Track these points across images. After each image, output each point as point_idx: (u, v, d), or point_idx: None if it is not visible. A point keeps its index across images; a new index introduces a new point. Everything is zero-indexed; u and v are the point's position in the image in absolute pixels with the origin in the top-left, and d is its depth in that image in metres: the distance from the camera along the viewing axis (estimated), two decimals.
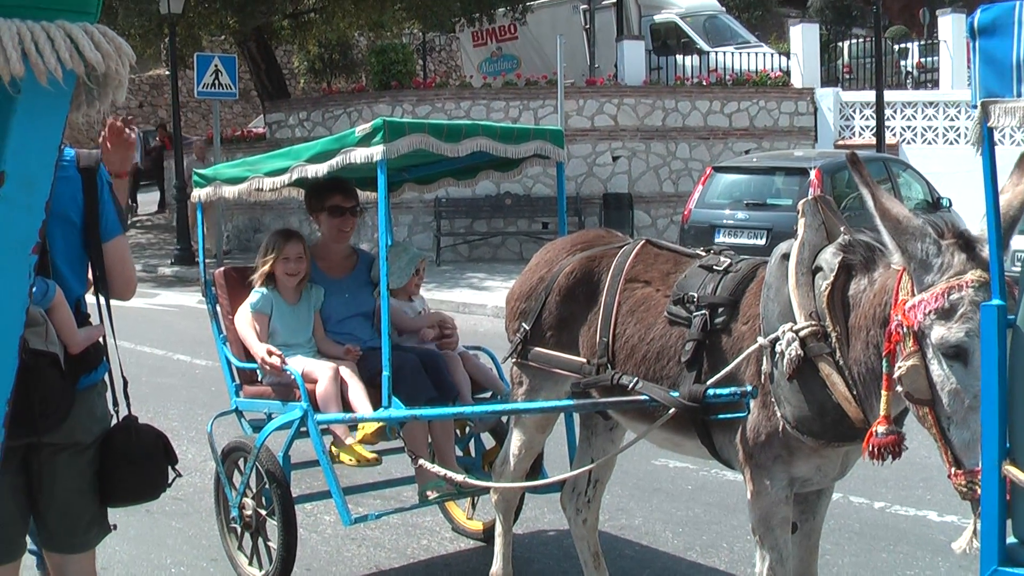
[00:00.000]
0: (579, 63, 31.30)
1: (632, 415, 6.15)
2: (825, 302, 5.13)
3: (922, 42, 39.14)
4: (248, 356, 7.73)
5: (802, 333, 5.10)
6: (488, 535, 7.99)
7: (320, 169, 7.03)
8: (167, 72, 36.55)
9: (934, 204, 21.05)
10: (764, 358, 5.30)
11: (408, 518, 8.68)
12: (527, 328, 6.55)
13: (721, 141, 28.50)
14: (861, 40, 35.76)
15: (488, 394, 7.84)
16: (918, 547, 8.10)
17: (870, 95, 27.50)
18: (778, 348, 5.17)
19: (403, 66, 28.73)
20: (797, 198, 17.74)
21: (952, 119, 27.77)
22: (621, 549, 8.20)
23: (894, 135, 27.69)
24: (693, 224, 18.85)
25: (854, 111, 28.97)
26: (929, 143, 27.96)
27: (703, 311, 5.62)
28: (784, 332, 5.15)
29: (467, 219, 26.90)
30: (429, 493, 7.24)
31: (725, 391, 5.40)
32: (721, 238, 18.22)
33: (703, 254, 6.08)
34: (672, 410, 5.60)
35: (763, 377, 5.32)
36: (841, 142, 28.32)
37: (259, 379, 7.79)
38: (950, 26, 31.43)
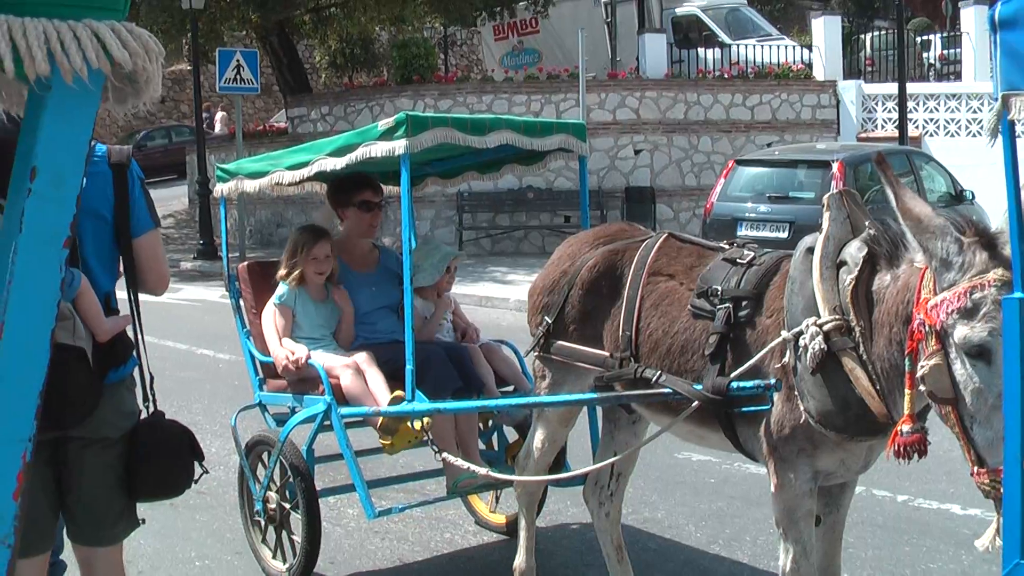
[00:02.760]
0: (600, 56, 31.30)
1: (656, 408, 6.15)
2: (849, 297, 5.10)
3: (944, 34, 39.05)
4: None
5: (826, 327, 5.07)
6: (511, 528, 8.01)
7: (339, 163, 7.03)
8: (189, 67, 36.63)
9: (957, 197, 20.98)
10: (788, 352, 5.27)
11: (431, 511, 8.72)
12: (549, 322, 6.54)
13: (743, 134, 28.51)
14: (883, 32, 35.73)
15: (511, 388, 7.81)
16: (941, 540, 8.09)
17: (892, 87, 27.46)
18: (802, 342, 5.14)
19: (424, 60, 28.78)
20: (819, 191, 17.73)
21: (975, 111, 27.67)
22: (644, 542, 8.20)
23: (917, 128, 27.62)
24: (715, 217, 18.81)
25: (876, 104, 28.92)
26: (952, 135, 27.88)
27: (727, 304, 5.61)
28: (808, 326, 5.12)
29: (489, 213, 26.95)
30: (462, 484, 7.24)
31: (749, 384, 5.40)
32: (743, 231, 18.17)
33: (726, 247, 6.04)
34: (696, 403, 5.60)
35: (787, 370, 5.29)
36: (863, 135, 28.29)
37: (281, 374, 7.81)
38: (972, 18, 31.40)
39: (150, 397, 5.09)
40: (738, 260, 5.81)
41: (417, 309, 7.64)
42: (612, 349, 6.20)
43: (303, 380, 7.51)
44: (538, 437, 7.03)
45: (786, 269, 5.56)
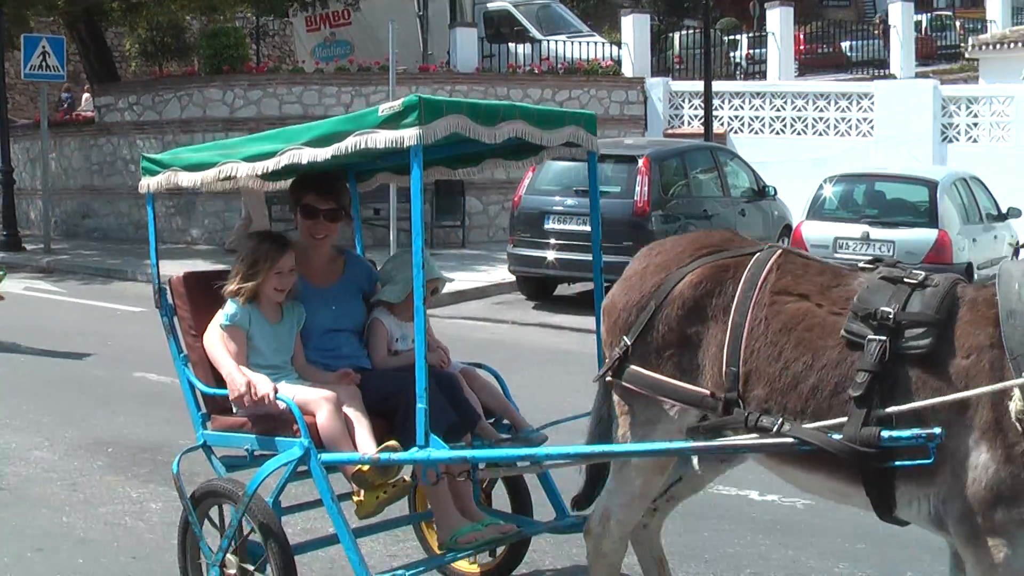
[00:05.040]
0: (413, 50, 31.24)
1: (779, 458, 5.27)
2: None
3: (751, 34, 39.85)
4: (219, 380, 6.61)
5: None
6: None
7: (323, 153, 5.90)
8: None
9: (760, 192, 21.59)
10: (1016, 399, 4.51)
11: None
12: (628, 343, 5.58)
13: None
14: (692, 31, 36.28)
15: (497, 420, 6.89)
16: (739, 524, 8.20)
17: (699, 85, 27.95)
18: None
19: (235, 50, 28.51)
20: (626, 185, 18.09)
21: (779, 109, 28.28)
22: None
23: (722, 124, 28.14)
24: (523, 210, 18.97)
25: (683, 101, 29.41)
26: (756, 133, 28.47)
27: (884, 334, 4.83)
28: None
29: None
30: (464, 540, 6.29)
31: (905, 434, 4.65)
32: (551, 224, 18.40)
33: (866, 264, 5.30)
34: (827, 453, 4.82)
35: (1003, 424, 4.58)
36: (670, 131, 28.74)
37: (233, 409, 6.61)
38: (778, 19, 32.23)
39: None
40: (904, 279, 5.03)
41: (388, 330, 6.90)
42: (715, 387, 5.30)
43: (266, 417, 6.35)
44: (623, 492, 5.90)
45: (972, 296, 4.93)
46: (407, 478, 6.26)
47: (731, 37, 42.72)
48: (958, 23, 47.76)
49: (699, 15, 34.60)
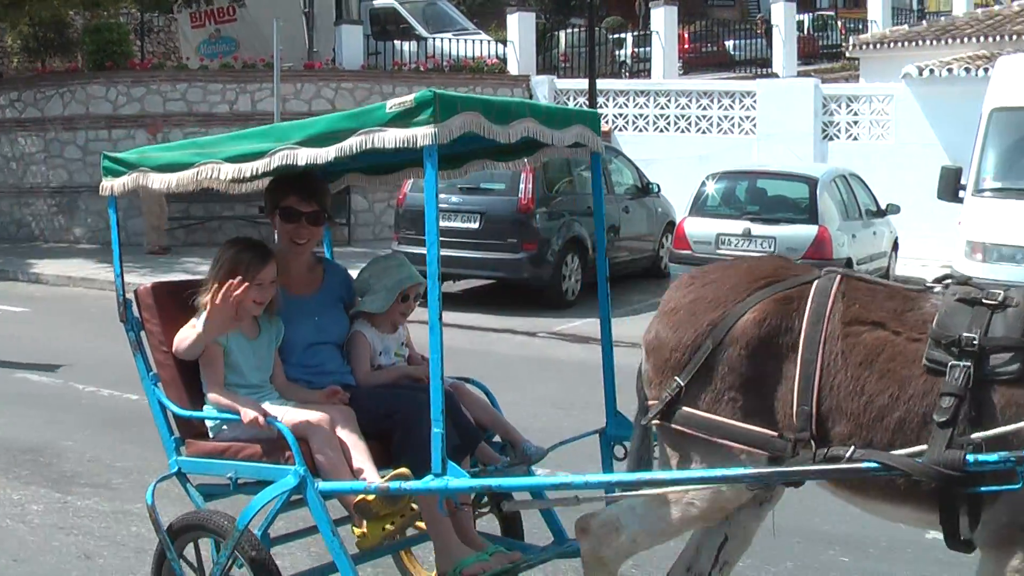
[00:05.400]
0: (298, 46, 31.13)
1: (855, 487, 4.96)
2: None
3: (636, 33, 40.16)
4: (193, 400, 6.08)
5: None
6: None
7: (323, 154, 5.37)
8: None
9: (644, 189, 21.81)
10: None
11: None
12: (682, 384, 5.13)
13: None
14: (578, 29, 36.51)
15: (494, 437, 6.42)
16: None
17: (584, 83, 28.08)
18: None
19: (119, 46, 28.38)
20: (509, 183, 18.21)
21: (663, 107, 28.53)
22: None
23: (607, 122, 28.30)
24: (408, 208, 18.98)
25: (568, 98, 29.52)
26: (640, 131, 28.69)
27: (967, 360, 4.59)
28: None
29: (183, 203, 26.44)
30: (468, 571, 5.75)
31: (992, 458, 4.38)
32: None
33: (933, 285, 5.09)
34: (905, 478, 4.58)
35: None
36: None
37: (209, 433, 6.10)
38: (663, 18, 32.50)
39: None
40: (983, 300, 4.77)
41: (370, 343, 6.43)
42: (783, 428, 4.94)
43: (254, 439, 5.83)
44: (649, 523, 5.37)
45: None
46: (415, 506, 5.71)
47: (617, 36, 43.02)
48: (840, 23, 48.42)
49: (585, 13, 34.79)
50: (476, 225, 18.23)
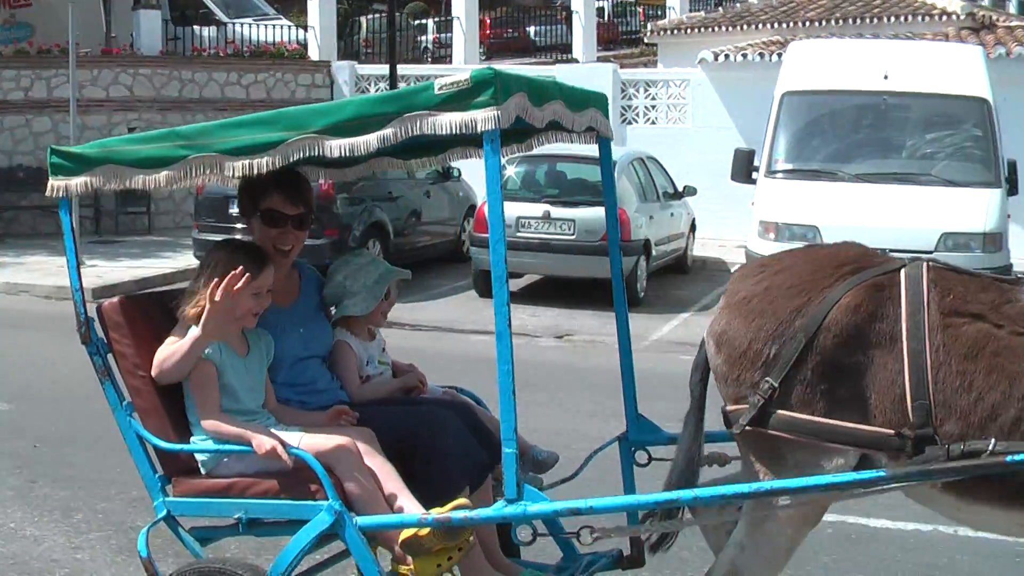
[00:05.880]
0: (95, 32, 30.54)
1: (965, 490, 4.63)
2: None
3: (438, 19, 40.34)
4: (178, 431, 5.26)
5: None
6: None
7: (361, 144, 4.68)
8: None
9: (444, 174, 22.05)
10: None
11: None
12: (775, 384, 4.73)
13: (238, 112, 28.30)
14: (380, 15, 36.49)
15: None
16: None
17: (386, 69, 28.07)
18: None
19: None
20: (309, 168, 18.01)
21: None
22: None
23: None
24: (207, 196, 18.88)
25: (370, 84, 29.53)
26: None
27: None
28: None
29: None
30: None
31: None
32: (234, 209, 18.18)
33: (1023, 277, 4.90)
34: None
35: None
36: None
37: (200, 468, 5.30)
38: (464, 4, 32.67)
39: None
40: None
41: (355, 351, 5.81)
42: (897, 424, 4.60)
43: (272, 474, 5.08)
44: (763, 550, 4.96)
45: None
46: (471, 537, 4.95)
47: (419, 22, 43.25)
48: (640, 9, 49.17)
49: None
50: None
